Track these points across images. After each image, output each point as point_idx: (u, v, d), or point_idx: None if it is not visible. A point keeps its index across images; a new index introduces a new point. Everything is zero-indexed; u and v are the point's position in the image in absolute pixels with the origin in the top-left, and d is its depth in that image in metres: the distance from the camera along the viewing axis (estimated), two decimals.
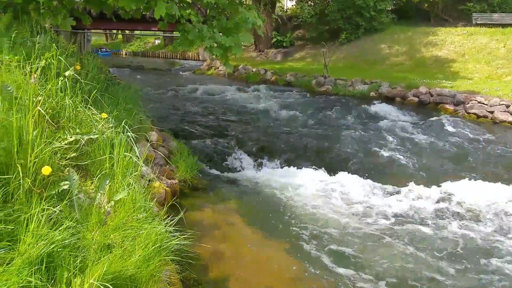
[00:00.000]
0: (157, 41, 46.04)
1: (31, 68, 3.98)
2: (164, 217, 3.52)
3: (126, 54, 43.76)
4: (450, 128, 11.24)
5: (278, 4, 30.96)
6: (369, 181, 7.02)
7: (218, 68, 25.20)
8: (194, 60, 34.82)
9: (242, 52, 7.99)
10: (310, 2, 28.04)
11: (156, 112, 10.63)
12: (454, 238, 5.17)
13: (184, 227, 3.57)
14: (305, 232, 5.07)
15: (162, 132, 7.34)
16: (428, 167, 8.01)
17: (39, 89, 3.69)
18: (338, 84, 18.07)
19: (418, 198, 6.43)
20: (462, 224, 5.57)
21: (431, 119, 12.31)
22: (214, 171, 7.26)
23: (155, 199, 4.06)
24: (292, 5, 32.35)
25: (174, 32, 26.88)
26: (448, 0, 27.83)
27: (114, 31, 48.42)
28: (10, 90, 3.45)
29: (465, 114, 13.40)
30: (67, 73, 4.03)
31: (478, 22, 24.60)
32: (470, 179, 7.20)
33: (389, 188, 6.78)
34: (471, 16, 25.30)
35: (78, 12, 8.75)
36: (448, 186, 6.83)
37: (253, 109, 13.28)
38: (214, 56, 8.29)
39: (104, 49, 42.92)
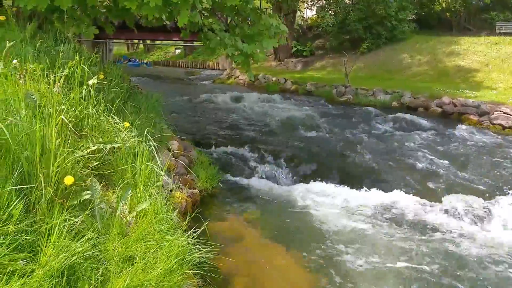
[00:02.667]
0: (177, 51, 46.42)
1: (54, 76, 3.98)
2: (185, 227, 3.46)
3: (147, 64, 44.23)
4: (475, 139, 11.00)
5: (298, 14, 30.92)
6: (394, 195, 6.84)
7: (238, 77, 25.25)
8: (214, 69, 34.98)
9: (262, 60, 7.94)
10: (331, 12, 27.94)
11: (177, 120, 10.65)
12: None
13: (206, 239, 3.49)
14: (328, 246, 4.95)
15: (183, 141, 7.31)
16: (454, 180, 7.78)
17: (62, 98, 3.68)
18: (359, 94, 17.89)
19: (447, 213, 6.23)
20: None
21: (455, 130, 12.04)
22: (235, 181, 7.18)
23: (177, 210, 4.00)
24: (313, 15, 32.31)
25: (195, 42, 27.08)
26: (471, 9, 27.47)
27: (136, 41, 49.01)
28: (33, 98, 3.44)
29: (490, 125, 13.09)
30: (90, 82, 4.02)
31: (501, 31, 24.19)
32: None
33: (418, 203, 6.58)
34: (495, 25, 24.89)
35: (101, 22, 8.83)
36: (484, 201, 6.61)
37: (273, 118, 13.19)
38: (235, 65, 8.29)
39: (133, 59, 43.53)
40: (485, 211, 6.19)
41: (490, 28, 25.38)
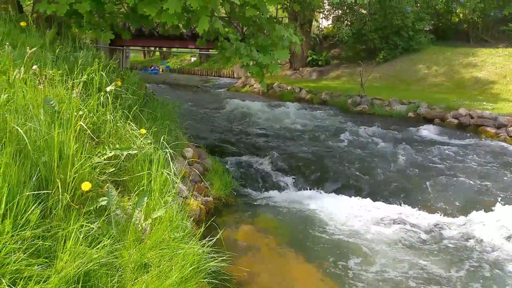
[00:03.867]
0: (193, 59, 46.76)
1: (73, 82, 4.02)
2: (200, 236, 3.44)
3: (162, 71, 44.52)
4: (492, 152, 10.82)
5: (314, 23, 30.93)
6: (411, 207, 6.75)
7: (252, 85, 25.31)
8: (229, 77, 35.16)
9: (277, 72, 7.94)
10: (347, 22, 27.93)
11: (192, 128, 10.67)
12: None
13: (220, 247, 3.47)
14: (345, 257, 4.88)
15: (197, 148, 7.32)
16: (469, 193, 7.64)
17: (80, 104, 3.70)
18: (374, 104, 17.76)
19: (459, 227, 6.13)
20: None
21: (471, 141, 11.91)
22: (249, 190, 7.15)
23: (192, 218, 3.99)
24: (329, 25, 32.31)
25: (211, 50, 27.28)
26: (489, 21, 27.22)
27: (152, 48, 49.50)
28: (52, 104, 3.46)
29: (508, 137, 12.88)
30: (108, 88, 4.04)
31: None
32: None
33: (430, 215, 6.49)
34: None
35: (118, 28, 8.92)
36: (492, 214, 6.50)
37: (287, 127, 13.17)
38: (249, 74, 8.26)
39: (153, 67, 43.90)
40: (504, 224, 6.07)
41: (508, 40, 25.11)
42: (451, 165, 9.19)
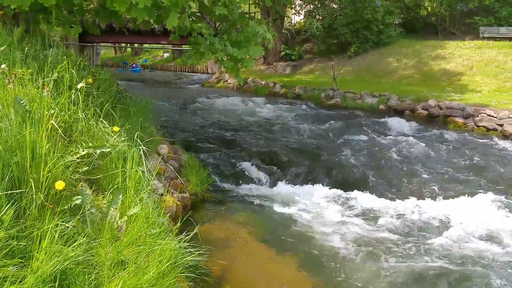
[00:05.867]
0: (166, 55, 46.22)
1: (43, 81, 3.96)
2: (177, 231, 3.46)
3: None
4: (460, 142, 11.15)
5: (286, 18, 31.07)
6: (379, 197, 6.94)
7: (227, 81, 25.28)
8: (203, 73, 34.96)
9: (251, 67, 7.97)
10: (318, 16, 28.14)
11: (166, 124, 10.62)
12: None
13: (197, 243, 3.49)
14: (317, 249, 4.96)
15: (172, 145, 7.30)
16: (438, 181, 7.86)
17: (51, 103, 3.66)
18: (347, 97, 18.05)
19: (429, 214, 6.31)
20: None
21: (441, 132, 12.20)
22: (225, 185, 7.19)
23: (168, 214, 4.00)
24: (301, 19, 32.49)
25: (184, 46, 27.07)
26: (455, 14, 27.87)
27: (123, 44, 48.68)
28: (23, 103, 3.42)
29: (475, 127, 13.29)
30: (79, 86, 4.00)
31: (485, 36, 24.66)
32: (484, 194, 7.06)
33: (400, 204, 6.65)
34: (479, 29, 25.32)
35: (87, 23, 8.78)
36: (459, 202, 6.72)
37: (262, 122, 13.23)
38: (224, 69, 8.27)
39: (134, 64, 40.84)
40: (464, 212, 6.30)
41: (474, 33, 25.80)
42: (416, 156, 9.41)
